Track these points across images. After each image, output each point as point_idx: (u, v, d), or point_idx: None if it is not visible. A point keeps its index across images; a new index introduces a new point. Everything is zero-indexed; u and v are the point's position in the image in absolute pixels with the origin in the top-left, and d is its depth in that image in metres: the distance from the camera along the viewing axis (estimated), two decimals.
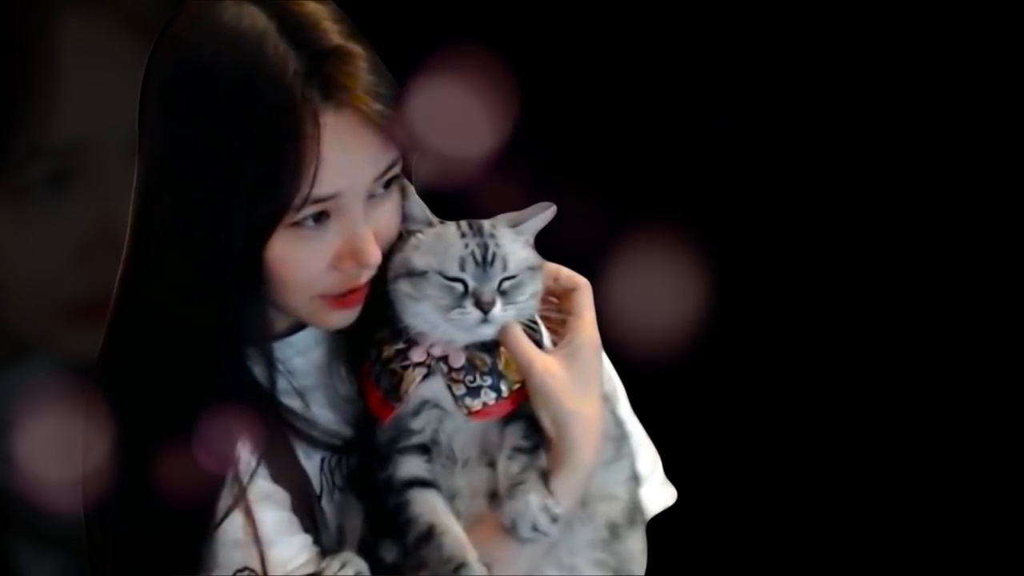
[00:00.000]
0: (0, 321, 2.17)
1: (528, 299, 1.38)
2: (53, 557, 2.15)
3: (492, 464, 1.38)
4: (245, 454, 1.38)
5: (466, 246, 1.37)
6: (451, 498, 1.37)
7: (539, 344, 1.40)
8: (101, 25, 2.15)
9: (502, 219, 1.41)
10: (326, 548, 1.38)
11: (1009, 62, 2.30)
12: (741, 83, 2.34)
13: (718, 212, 2.34)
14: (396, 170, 1.37)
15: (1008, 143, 2.32)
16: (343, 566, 1.34)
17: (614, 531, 1.41)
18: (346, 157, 1.32)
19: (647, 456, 1.52)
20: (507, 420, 1.38)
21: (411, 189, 1.40)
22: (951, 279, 2.36)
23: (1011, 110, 2.31)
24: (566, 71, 2.27)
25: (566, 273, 1.44)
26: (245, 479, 1.37)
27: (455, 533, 1.34)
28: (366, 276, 1.38)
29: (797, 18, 2.31)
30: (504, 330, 1.37)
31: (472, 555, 1.33)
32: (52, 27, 2.11)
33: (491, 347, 1.38)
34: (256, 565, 1.35)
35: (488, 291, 1.36)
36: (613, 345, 1.47)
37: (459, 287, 1.36)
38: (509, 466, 1.36)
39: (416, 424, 1.38)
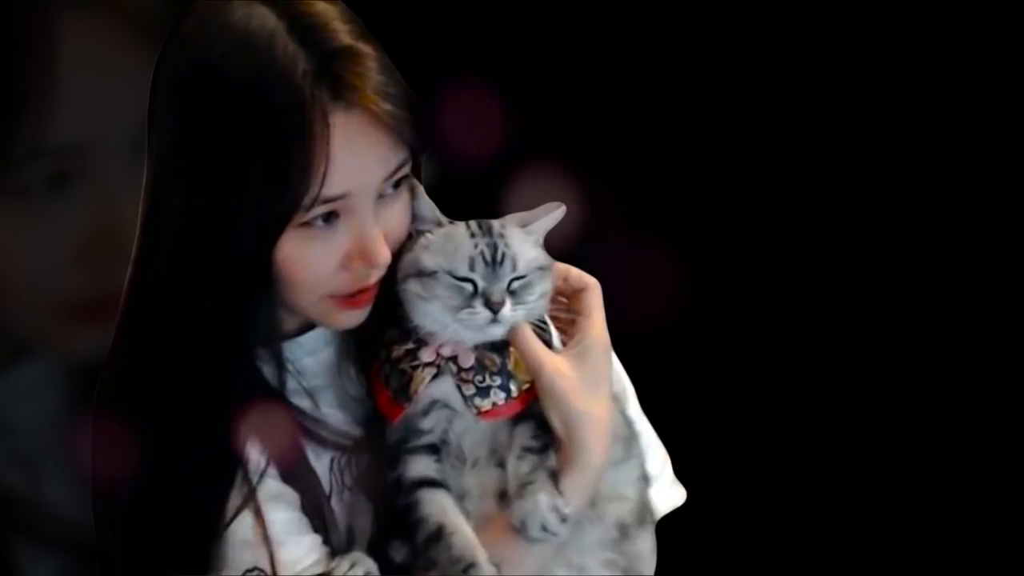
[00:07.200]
0: (0, 321, 2.16)
1: (537, 299, 1.38)
2: (53, 557, 2.15)
3: (502, 464, 1.38)
4: (255, 454, 1.38)
5: (476, 246, 1.37)
6: (461, 498, 1.37)
7: (549, 344, 1.40)
8: (101, 25, 2.14)
9: (512, 219, 1.41)
10: (335, 548, 1.38)
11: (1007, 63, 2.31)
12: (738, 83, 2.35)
13: (725, 213, 2.35)
14: (406, 170, 1.37)
15: (992, 144, 2.33)
16: (352, 566, 1.34)
17: (624, 531, 1.41)
18: (355, 157, 1.32)
19: (657, 456, 1.52)
20: (517, 420, 1.38)
21: (420, 189, 1.40)
22: (946, 274, 2.37)
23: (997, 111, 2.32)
24: (570, 71, 2.27)
25: (576, 273, 1.45)
26: (255, 479, 1.37)
27: (465, 533, 1.34)
28: (375, 276, 1.38)
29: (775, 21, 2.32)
30: (514, 330, 1.37)
31: (482, 555, 1.33)
32: (52, 27, 2.10)
33: (501, 347, 1.38)
34: (266, 565, 1.35)
35: (497, 291, 1.36)
36: (622, 344, 1.47)
37: (469, 287, 1.36)
38: (519, 466, 1.36)
39: (426, 424, 1.38)
